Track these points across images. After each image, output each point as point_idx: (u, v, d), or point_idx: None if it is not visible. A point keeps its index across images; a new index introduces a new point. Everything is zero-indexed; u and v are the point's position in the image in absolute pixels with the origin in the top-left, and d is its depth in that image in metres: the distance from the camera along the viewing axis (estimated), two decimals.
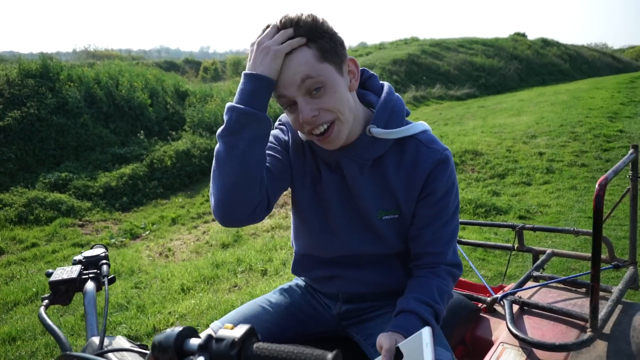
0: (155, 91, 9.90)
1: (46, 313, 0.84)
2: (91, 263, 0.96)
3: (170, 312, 2.88)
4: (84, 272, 0.93)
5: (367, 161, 1.04)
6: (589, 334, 1.17)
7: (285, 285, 1.28)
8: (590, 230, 1.52)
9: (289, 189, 1.15)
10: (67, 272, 0.91)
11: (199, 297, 3.07)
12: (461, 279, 1.75)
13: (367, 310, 1.17)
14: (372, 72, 1.12)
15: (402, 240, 1.10)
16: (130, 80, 9.64)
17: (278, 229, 4.77)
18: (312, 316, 1.20)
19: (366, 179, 1.05)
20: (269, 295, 1.25)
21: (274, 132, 1.14)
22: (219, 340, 0.55)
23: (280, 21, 0.94)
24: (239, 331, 0.55)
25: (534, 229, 1.77)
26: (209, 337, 0.55)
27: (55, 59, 10.09)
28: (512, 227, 1.79)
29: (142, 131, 8.54)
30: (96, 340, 0.76)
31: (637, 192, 1.54)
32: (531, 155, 5.96)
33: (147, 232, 5.47)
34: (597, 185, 1.12)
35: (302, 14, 0.94)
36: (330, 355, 0.50)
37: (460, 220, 1.67)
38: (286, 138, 1.12)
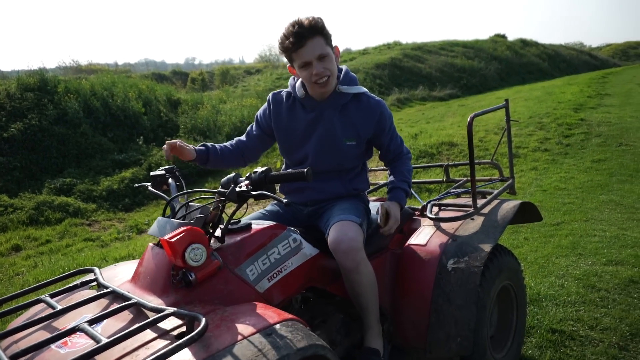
0: (149, 100, 10.39)
1: (152, 189, 1.50)
2: (169, 171, 1.54)
3: None
4: (167, 174, 1.50)
5: (338, 106, 1.72)
6: (471, 210, 1.74)
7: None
8: (489, 160, 2.20)
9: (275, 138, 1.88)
10: (159, 171, 1.50)
11: None
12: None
13: (323, 207, 1.79)
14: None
15: (353, 160, 1.77)
16: (123, 91, 10.12)
17: None
18: (293, 216, 1.82)
19: (338, 118, 1.73)
20: (266, 207, 1.87)
21: (260, 112, 1.85)
22: (255, 172, 1.15)
23: (302, 23, 1.57)
24: (264, 168, 1.15)
25: (455, 165, 2.48)
26: (249, 173, 1.16)
27: (52, 74, 10.55)
28: (441, 165, 2.37)
29: (141, 137, 9.01)
30: (181, 202, 1.33)
31: (510, 129, 2.21)
32: (501, 144, 6.55)
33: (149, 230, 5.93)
34: (469, 118, 1.68)
35: (314, 18, 1.60)
36: (305, 169, 1.09)
37: None
38: (267, 111, 1.81)
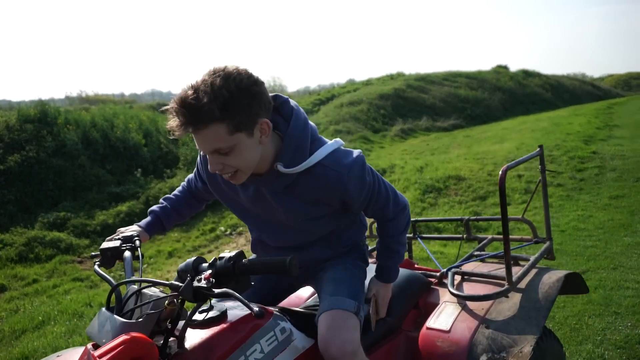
0: (149, 132, 10.24)
1: (99, 269, 1.18)
2: (127, 239, 1.24)
3: None
4: (123, 245, 1.20)
5: (278, 189, 1.22)
6: (505, 287, 1.44)
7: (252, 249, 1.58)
8: (519, 217, 1.89)
9: None
10: (111, 243, 1.21)
11: None
12: (421, 266, 2.02)
13: (312, 268, 1.45)
14: (285, 97, 1.23)
15: (325, 226, 1.34)
16: (124, 122, 9.99)
17: None
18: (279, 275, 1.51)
19: (283, 200, 1.24)
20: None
21: (197, 163, 1.41)
22: (221, 258, 0.85)
23: (185, 102, 1.01)
24: (233, 252, 0.86)
25: (477, 220, 2.14)
26: (215, 258, 0.86)
27: (53, 105, 10.46)
28: (461, 220, 2.08)
29: (139, 169, 8.81)
30: (134, 286, 1.04)
31: (546, 181, 1.88)
32: (510, 178, 6.28)
33: (145, 266, 5.63)
34: (500, 172, 1.40)
35: (222, 86, 1.01)
36: (288, 259, 0.80)
37: (417, 219, 2.01)
38: (202, 170, 1.38)
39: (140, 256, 1.21)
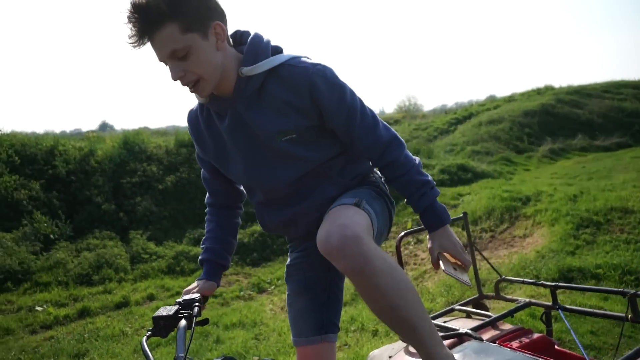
0: None
1: (147, 342, 1.05)
2: (187, 305, 1.12)
3: None
4: (180, 311, 1.09)
5: (251, 95, 1.18)
6: None
7: (285, 275, 1.43)
8: None
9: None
10: (167, 310, 1.10)
11: None
12: (564, 349, 1.54)
13: None
14: (245, 30, 1.25)
15: (316, 150, 1.22)
16: None
17: None
18: (317, 270, 1.33)
19: (257, 109, 1.18)
20: (288, 295, 1.40)
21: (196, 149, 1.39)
22: None
23: (136, 3, 1.04)
24: None
25: None
26: None
27: None
28: (623, 293, 1.50)
29: None
30: None
31: None
32: None
33: (273, 287, 5.79)
34: None
35: None
36: None
37: (560, 284, 1.56)
38: (193, 141, 1.38)
39: (193, 325, 1.06)
